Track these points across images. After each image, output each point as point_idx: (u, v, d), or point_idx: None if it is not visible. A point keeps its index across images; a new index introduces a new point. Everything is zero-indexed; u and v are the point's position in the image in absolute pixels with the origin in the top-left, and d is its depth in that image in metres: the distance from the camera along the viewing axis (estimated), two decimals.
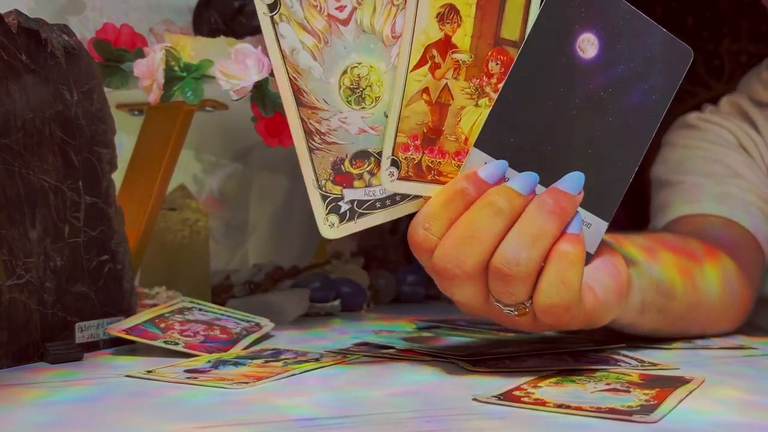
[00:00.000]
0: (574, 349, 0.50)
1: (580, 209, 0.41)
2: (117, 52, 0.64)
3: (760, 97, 0.82)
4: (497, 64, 0.42)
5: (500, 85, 0.42)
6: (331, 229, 0.43)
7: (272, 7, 0.42)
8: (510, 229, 0.40)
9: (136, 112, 0.69)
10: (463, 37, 0.42)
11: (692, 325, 0.60)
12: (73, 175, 0.51)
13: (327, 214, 0.43)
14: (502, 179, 0.41)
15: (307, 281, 0.83)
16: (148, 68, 0.61)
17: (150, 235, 0.67)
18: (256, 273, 0.88)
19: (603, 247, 0.45)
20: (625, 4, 0.42)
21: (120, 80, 0.64)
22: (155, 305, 0.59)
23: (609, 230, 0.44)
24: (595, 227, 0.43)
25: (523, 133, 0.42)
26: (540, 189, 0.41)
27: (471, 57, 0.42)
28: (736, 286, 0.67)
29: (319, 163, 0.43)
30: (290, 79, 0.42)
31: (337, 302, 0.83)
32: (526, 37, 0.42)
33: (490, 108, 0.42)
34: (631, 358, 0.48)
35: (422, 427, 0.33)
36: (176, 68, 0.62)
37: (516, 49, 0.42)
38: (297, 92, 0.43)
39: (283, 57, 0.42)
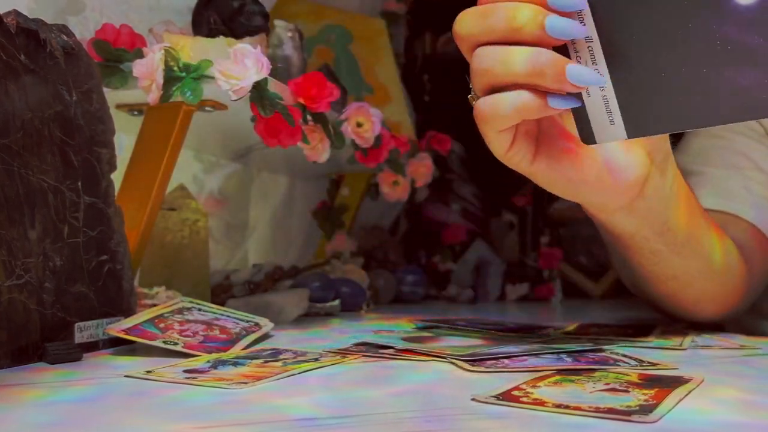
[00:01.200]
0: (572, 349, 0.50)
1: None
2: (116, 53, 0.64)
3: None
4: None
5: None
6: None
7: None
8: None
9: (135, 113, 0.69)
10: None
11: (685, 278, 0.60)
12: (73, 176, 0.51)
13: None
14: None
15: (306, 281, 0.83)
16: (148, 68, 0.61)
17: (149, 235, 0.67)
18: (255, 273, 0.88)
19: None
20: None
21: (119, 80, 0.64)
22: (155, 305, 0.59)
23: None
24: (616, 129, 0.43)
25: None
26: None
27: None
28: (737, 268, 0.66)
29: None
30: None
31: (336, 302, 0.83)
32: None
33: None
34: (631, 357, 0.48)
35: (421, 426, 0.33)
36: (175, 68, 0.62)
37: None
38: None
39: None
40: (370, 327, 0.69)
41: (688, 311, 0.66)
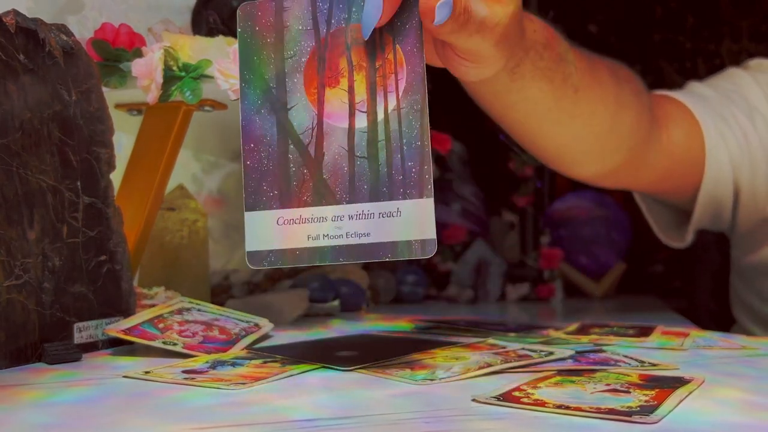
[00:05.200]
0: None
1: None
2: (115, 52, 0.64)
3: None
4: None
5: None
6: None
7: None
8: None
9: (134, 112, 0.69)
10: None
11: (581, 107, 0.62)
12: (72, 175, 0.51)
13: None
14: None
15: (306, 281, 0.83)
16: (147, 68, 0.61)
17: (149, 235, 0.67)
18: (255, 273, 0.88)
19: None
20: None
21: (118, 80, 0.64)
22: (154, 305, 0.59)
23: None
24: None
25: None
26: None
27: None
28: (646, 116, 0.71)
29: None
30: None
31: (336, 302, 0.83)
32: None
33: None
34: (631, 358, 0.48)
35: (421, 427, 0.32)
36: (175, 68, 0.62)
37: None
38: None
39: None
40: (370, 327, 0.69)
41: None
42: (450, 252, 1.22)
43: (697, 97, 0.81)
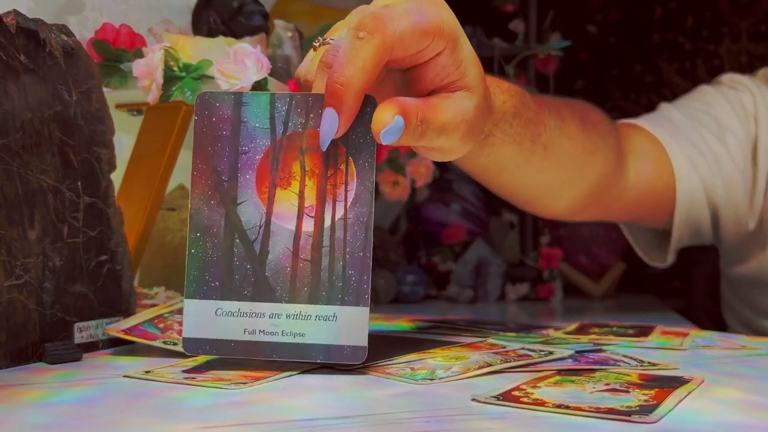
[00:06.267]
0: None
1: None
2: (116, 52, 0.64)
3: None
4: None
5: None
6: None
7: None
8: None
9: (135, 112, 0.69)
10: None
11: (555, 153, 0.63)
12: (72, 176, 0.51)
13: None
14: None
15: None
16: (147, 68, 0.61)
17: (149, 235, 0.67)
18: None
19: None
20: None
21: (119, 80, 0.64)
22: (154, 305, 0.59)
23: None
24: None
25: None
26: None
27: None
28: (613, 153, 0.73)
29: None
30: None
31: None
32: None
33: None
34: (631, 358, 0.48)
35: (421, 427, 0.33)
36: (175, 68, 0.62)
37: None
38: None
39: None
40: (370, 327, 0.69)
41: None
42: (450, 252, 1.22)
43: (666, 123, 0.82)
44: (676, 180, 0.79)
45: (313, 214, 0.43)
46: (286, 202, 0.43)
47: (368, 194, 0.43)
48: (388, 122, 0.41)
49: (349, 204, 0.43)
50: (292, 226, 0.43)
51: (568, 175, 0.68)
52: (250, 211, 0.43)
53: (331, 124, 0.41)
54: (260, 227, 0.43)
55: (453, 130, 0.44)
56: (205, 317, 0.43)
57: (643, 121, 0.83)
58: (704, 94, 0.86)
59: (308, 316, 0.42)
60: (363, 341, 0.42)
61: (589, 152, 0.68)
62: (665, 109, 0.86)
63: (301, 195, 0.43)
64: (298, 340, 0.42)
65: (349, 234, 0.42)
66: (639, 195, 0.79)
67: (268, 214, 0.43)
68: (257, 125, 0.43)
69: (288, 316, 0.42)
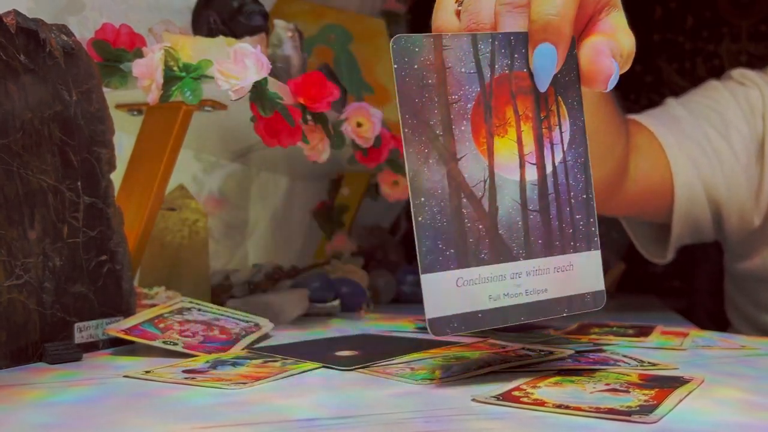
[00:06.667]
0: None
1: None
2: (116, 52, 0.64)
3: None
4: None
5: None
6: None
7: None
8: None
9: (135, 112, 0.69)
10: None
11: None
12: (72, 176, 0.51)
13: None
14: None
15: (306, 281, 0.83)
16: (147, 68, 0.61)
17: (149, 235, 0.67)
18: (255, 273, 0.88)
19: None
20: None
21: (119, 80, 0.64)
22: (154, 305, 0.59)
23: None
24: None
25: None
26: None
27: None
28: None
29: None
30: None
31: (336, 302, 0.83)
32: None
33: None
34: (631, 358, 0.48)
35: (421, 427, 0.33)
36: (175, 68, 0.62)
37: None
38: None
39: None
40: (370, 327, 0.69)
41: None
42: None
43: (668, 121, 0.83)
44: (673, 176, 0.79)
45: (534, 161, 0.41)
46: (506, 151, 0.40)
47: (581, 134, 0.41)
48: (610, 68, 0.40)
49: (565, 146, 0.41)
50: (516, 177, 0.40)
51: (600, 153, 0.68)
52: (471, 166, 0.39)
53: (551, 60, 0.39)
54: (485, 182, 0.40)
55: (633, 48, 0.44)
56: (447, 291, 0.39)
57: (646, 118, 0.83)
58: (712, 90, 0.86)
59: (546, 269, 0.40)
60: (600, 285, 0.41)
61: (618, 134, 0.69)
62: (671, 105, 0.86)
63: (519, 142, 0.40)
64: (542, 297, 0.40)
65: (570, 177, 0.41)
66: (639, 191, 0.79)
67: (491, 166, 0.40)
68: (463, 70, 0.40)
69: (528, 274, 0.40)
